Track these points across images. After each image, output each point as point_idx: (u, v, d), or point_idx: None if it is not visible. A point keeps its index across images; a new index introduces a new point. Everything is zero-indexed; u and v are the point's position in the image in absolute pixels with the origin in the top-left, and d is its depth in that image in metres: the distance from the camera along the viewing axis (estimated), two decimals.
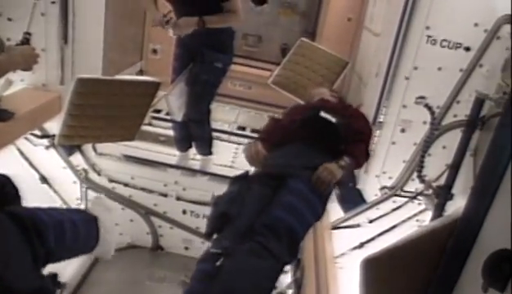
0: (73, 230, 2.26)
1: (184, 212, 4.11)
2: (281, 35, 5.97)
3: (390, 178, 3.50)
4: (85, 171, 3.96)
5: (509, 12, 2.78)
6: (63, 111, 3.17)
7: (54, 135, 3.42)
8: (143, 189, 4.05)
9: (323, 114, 2.97)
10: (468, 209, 1.62)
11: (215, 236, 2.45)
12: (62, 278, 3.15)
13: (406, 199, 3.43)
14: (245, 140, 5.12)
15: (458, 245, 1.66)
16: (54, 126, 3.43)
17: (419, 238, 1.95)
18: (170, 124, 4.44)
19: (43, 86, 3.45)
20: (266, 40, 6.05)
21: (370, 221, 3.49)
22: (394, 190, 3.47)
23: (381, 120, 3.41)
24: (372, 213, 3.51)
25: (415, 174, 3.31)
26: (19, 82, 3.32)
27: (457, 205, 2.25)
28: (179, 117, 3.90)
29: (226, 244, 2.28)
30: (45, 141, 3.63)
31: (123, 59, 5.24)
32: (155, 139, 4.77)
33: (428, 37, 3.13)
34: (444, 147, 3.25)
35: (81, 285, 3.68)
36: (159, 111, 5.12)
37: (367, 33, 4.82)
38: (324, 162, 2.67)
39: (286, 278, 3.56)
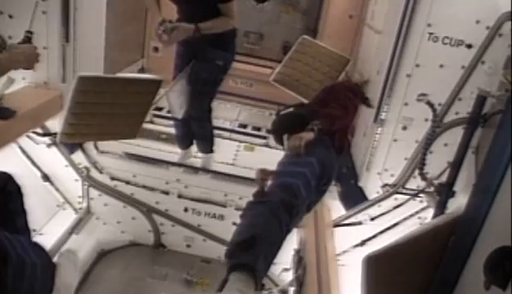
0: (31, 276, 2.10)
1: (186, 210, 4.12)
2: (283, 33, 5.97)
3: (392, 175, 3.49)
4: (87, 169, 3.96)
5: (511, 9, 2.77)
6: (65, 109, 3.18)
7: (56, 134, 3.42)
8: (145, 187, 4.06)
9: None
10: (470, 206, 1.62)
11: None
12: None
13: (407, 197, 3.43)
14: (247, 138, 5.13)
15: (460, 242, 1.66)
16: (56, 124, 3.44)
17: (420, 235, 1.95)
18: (172, 122, 4.44)
19: (45, 84, 3.45)
20: (267, 38, 6.05)
21: (372, 219, 3.50)
22: (396, 188, 3.46)
23: (383, 117, 3.40)
24: (374, 211, 3.51)
25: (416, 171, 3.31)
26: (20, 80, 3.32)
27: (459, 202, 2.25)
28: (180, 114, 3.90)
29: None
30: (47, 139, 3.64)
31: (124, 57, 5.24)
32: (157, 137, 4.77)
33: (430, 34, 3.12)
34: (446, 144, 3.25)
35: (83, 282, 3.69)
36: (160, 109, 5.12)
37: (369, 30, 4.81)
38: None
39: (288, 276, 3.57)
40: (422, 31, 3.12)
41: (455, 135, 3.15)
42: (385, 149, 3.43)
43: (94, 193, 4.04)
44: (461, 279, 1.62)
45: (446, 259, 1.73)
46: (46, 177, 3.86)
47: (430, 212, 3.22)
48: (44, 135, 3.60)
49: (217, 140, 4.40)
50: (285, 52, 5.35)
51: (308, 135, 2.87)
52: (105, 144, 3.97)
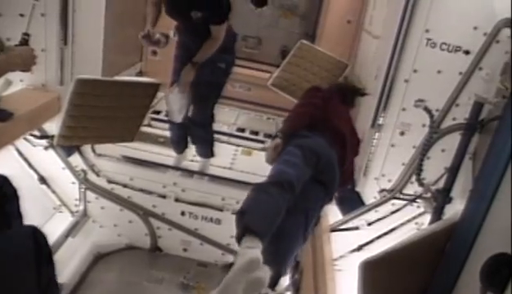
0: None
1: (183, 214, 4.11)
2: (281, 37, 5.98)
3: (389, 181, 3.50)
4: (84, 171, 3.95)
5: (509, 16, 2.79)
6: (62, 112, 3.17)
7: (53, 136, 3.42)
8: (142, 191, 4.05)
9: None
10: (466, 212, 1.62)
11: None
12: (60, 279, 3.14)
13: (404, 202, 3.43)
14: (244, 142, 5.13)
15: (456, 248, 1.66)
16: (53, 126, 3.43)
17: (417, 241, 1.95)
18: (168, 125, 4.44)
19: (43, 86, 3.44)
20: (266, 42, 6.06)
21: (369, 224, 3.50)
22: (393, 193, 3.47)
23: (380, 122, 3.41)
24: (371, 216, 3.51)
25: (414, 177, 3.32)
26: (18, 82, 3.31)
27: (456, 208, 2.25)
28: (178, 118, 3.89)
29: None
30: (44, 142, 3.63)
31: (122, 60, 5.24)
32: (154, 140, 4.76)
33: (428, 40, 3.13)
34: (443, 150, 3.25)
35: (79, 286, 3.67)
36: (158, 112, 5.12)
37: (367, 35, 4.83)
38: None
39: (285, 281, 3.56)
40: (420, 37, 3.13)
41: (452, 141, 3.17)
42: (383, 155, 3.43)
43: (91, 196, 4.03)
44: (458, 285, 1.62)
45: (442, 265, 1.73)
46: (42, 180, 3.84)
47: (427, 218, 3.23)
48: (41, 137, 3.59)
49: (214, 144, 4.40)
50: (283, 57, 5.36)
51: (275, 142, 3.03)
52: (102, 147, 3.96)
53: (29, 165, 3.74)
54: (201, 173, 4.22)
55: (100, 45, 3.63)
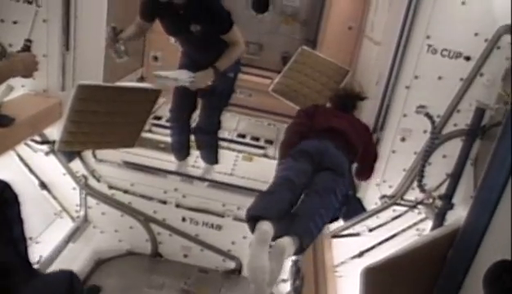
0: None
1: (183, 220, 4.10)
2: (282, 43, 5.99)
3: (390, 187, 3.50)
4: (85, 177, 3.95)
5: (510, 22, 2.79)
6: (63, 117, 3.18)
7: (54, 141, 3.42)
8: (143, 196, 4.04)
9: None
10: (469, 219, 1.61)
11: None
12: None
13: (406, 208, 3.43)
14: (245, 148, 5.13)
15: (459, 255, 1.66)
16: (54, 132, 3.44)
17: (419, 247, 1.95)
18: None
19: (44, 92, 3.45)
20: (267, 48, 6.07)
21: (370, 230, 3.49)
22: (394, 199, 3.46)
23: (381, 129, 3.41)
24: (372, 222, 3.50)
25: (415, 183, 3.31)
26: (20, 87, 3.32)
27: (458, 214, 2.25)
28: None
29: None
30: (45, 147, 3.63)
31: (123, 65, 5.24)
32: (155, 146, 4.76)
33: (429, 46, 3.14)
34: (444, 156, 3.25)
35: None
36: (159, 118, 5.12)
37: (368, 41, 4.84)
38: None
39: (286, 287, 3.55)
40: (421, 43, 3.14)
41: (453, 147, 3.17)
42: (384, 161, 3.43)
43: (92, 201, 4.02)
44: (460, 293, 1.61)
45: (444, 272, 1.72)
46: (43, 185, 3.84)
47: (428, 224, 3.23)
48: (42, 142, 3.59)
49: None
50: (284, 63, 5.37)
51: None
52: (103, 153, 3.96)
53: (30, 170, 3.74)
54: (202, 179, 4.21)
55: (101, 50, 3.64)
